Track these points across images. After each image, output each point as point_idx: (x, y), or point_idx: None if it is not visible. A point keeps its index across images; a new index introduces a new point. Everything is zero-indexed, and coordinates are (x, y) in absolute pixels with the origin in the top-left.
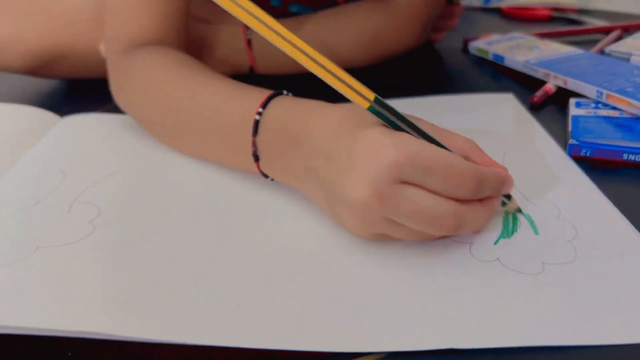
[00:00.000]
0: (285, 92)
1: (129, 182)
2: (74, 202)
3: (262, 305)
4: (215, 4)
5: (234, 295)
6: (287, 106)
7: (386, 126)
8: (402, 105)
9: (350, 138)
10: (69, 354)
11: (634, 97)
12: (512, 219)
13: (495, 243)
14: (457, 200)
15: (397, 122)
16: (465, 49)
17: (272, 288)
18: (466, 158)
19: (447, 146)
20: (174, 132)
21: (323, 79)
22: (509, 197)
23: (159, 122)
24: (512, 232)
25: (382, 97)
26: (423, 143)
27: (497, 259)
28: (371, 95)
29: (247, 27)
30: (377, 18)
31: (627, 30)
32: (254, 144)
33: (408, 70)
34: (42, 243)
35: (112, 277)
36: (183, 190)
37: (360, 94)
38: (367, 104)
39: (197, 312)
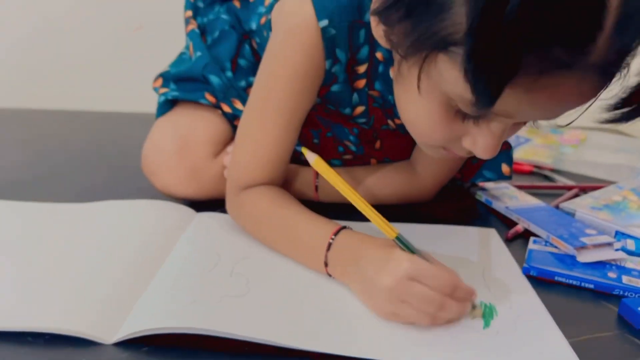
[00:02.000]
0: (347, 226)
1: (261, 262)
2: (231, 272)
3: (293, 310)
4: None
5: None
6: (350, 235)
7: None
8: (417, 230)
9: (385, 253)
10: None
11: (566, 241)
12: (487, 313)
13: (484, 328)
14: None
15: (411, 247)
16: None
17: (309, 299)
18: None
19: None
20: (273, 245)
21: (367, 215)
22: (474, 307)
23: (263, 237)
24: (490, 321)
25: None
26: (424, 262)
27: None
28: (396, 230)
29: (317, 176)
30: (409, 183)
31: (584, 190)
32: (326, 257)
33: (424, 204)
34: (225, 294)
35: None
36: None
37: (389, 227)
38: (394, 235)
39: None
